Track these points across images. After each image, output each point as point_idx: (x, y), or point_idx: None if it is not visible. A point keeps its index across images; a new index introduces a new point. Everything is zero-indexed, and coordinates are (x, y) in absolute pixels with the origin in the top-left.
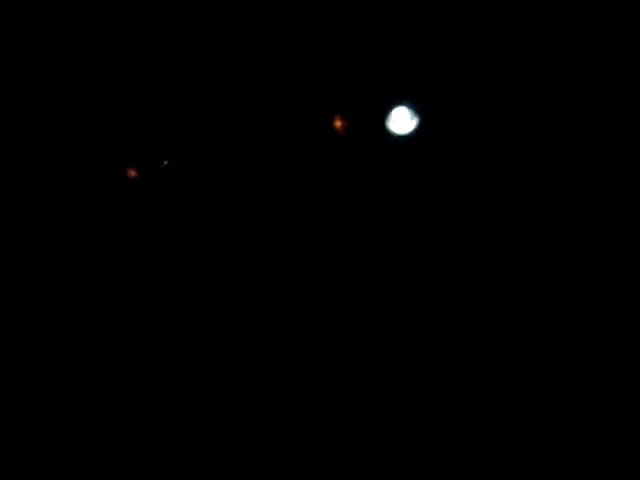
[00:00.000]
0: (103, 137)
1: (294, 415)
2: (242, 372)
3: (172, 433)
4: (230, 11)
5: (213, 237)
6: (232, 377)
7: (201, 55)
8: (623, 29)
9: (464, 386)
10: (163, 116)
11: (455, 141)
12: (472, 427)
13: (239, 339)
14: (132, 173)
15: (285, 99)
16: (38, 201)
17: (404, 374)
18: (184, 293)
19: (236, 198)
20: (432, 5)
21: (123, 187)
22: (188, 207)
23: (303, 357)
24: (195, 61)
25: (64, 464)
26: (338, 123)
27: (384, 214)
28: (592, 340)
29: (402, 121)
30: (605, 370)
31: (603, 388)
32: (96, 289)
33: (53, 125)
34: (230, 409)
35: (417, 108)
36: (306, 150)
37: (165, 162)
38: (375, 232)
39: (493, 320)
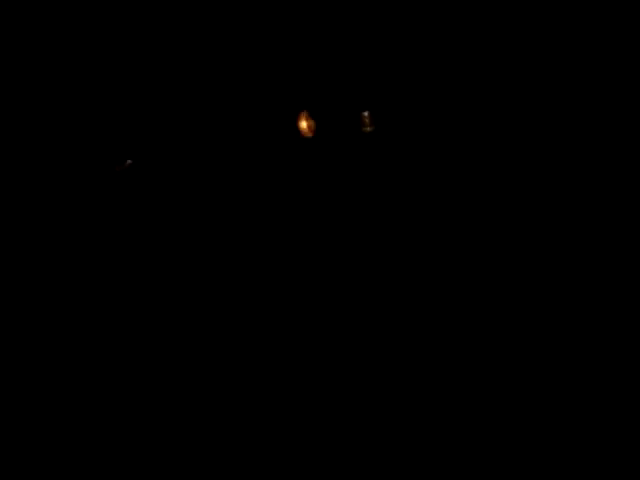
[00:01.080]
0: (71, 136)
1: (294, 415)
2: (241, 372)
3: (172, 433)
4: (195, 16)
5: (183, 237)
6: (232, 377)
7: (165, 57)
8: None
9: (464, 385)
10: (129, 116)
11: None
12: (472, 426)
13: (236, 339)
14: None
15: (249, 97)
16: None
17: (403, 372)
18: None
19: (201, 199)
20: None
21: (95, 185)
22: (158, 206)
23: (300, 356)
24: (159, 63)
25: (64, 464)
26: (304, 123)
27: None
28: (592, 339)
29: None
30: (605, 369)
31: (603, 388)
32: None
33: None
34: (230, 409)
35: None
36: (271, 151)
37: (129, 162)
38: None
39: (488, 319)
